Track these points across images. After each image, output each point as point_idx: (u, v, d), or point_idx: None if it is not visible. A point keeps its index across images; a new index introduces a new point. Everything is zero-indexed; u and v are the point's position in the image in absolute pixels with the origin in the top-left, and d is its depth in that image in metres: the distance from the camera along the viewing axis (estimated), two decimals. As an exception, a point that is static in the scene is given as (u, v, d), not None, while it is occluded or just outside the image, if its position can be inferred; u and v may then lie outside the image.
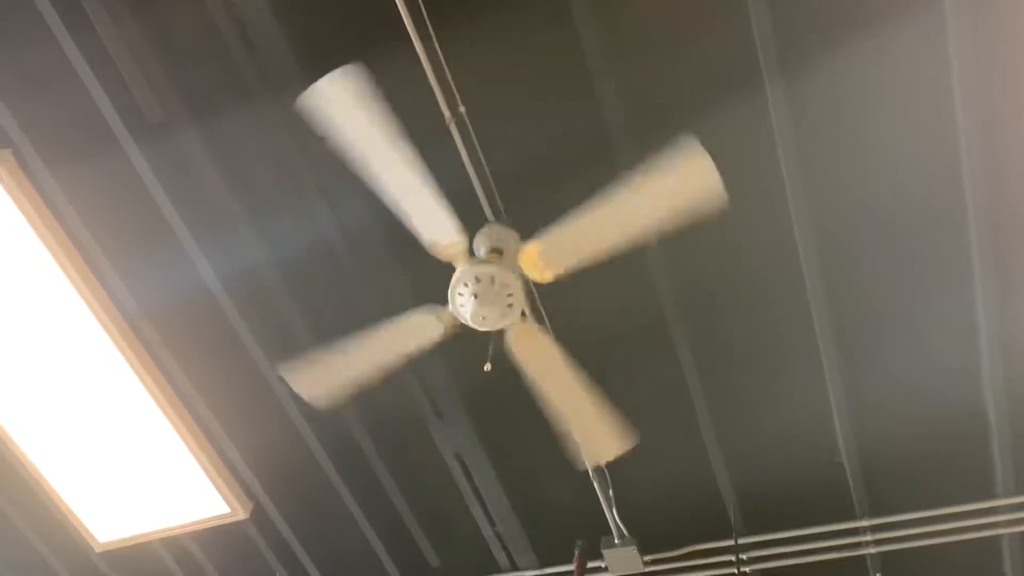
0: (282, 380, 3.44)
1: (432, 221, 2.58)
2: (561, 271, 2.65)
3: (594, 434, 3.07)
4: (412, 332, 2.84)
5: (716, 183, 2.33)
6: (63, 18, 3.12)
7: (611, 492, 3.92)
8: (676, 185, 2.41)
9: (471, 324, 2.74)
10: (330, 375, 2.98)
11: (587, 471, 3.80)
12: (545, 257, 2.63)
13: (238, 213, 3.51)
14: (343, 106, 2.35)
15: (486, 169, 3.07)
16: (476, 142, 3.02)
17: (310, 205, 3.46)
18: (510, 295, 2.69)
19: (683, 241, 3.36)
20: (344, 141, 2.41)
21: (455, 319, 2.77)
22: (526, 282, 2.73)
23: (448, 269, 2.72)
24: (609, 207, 2.47)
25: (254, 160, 3.43)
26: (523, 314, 2.79)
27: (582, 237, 2.56)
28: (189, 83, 3.27)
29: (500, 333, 2.82)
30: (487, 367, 2.78)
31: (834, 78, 2.97)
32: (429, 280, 2.79)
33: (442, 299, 2.74)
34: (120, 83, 3.25)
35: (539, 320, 3.13)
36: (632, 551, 4.11)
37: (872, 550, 4.02)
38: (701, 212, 2.37)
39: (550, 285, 2.75)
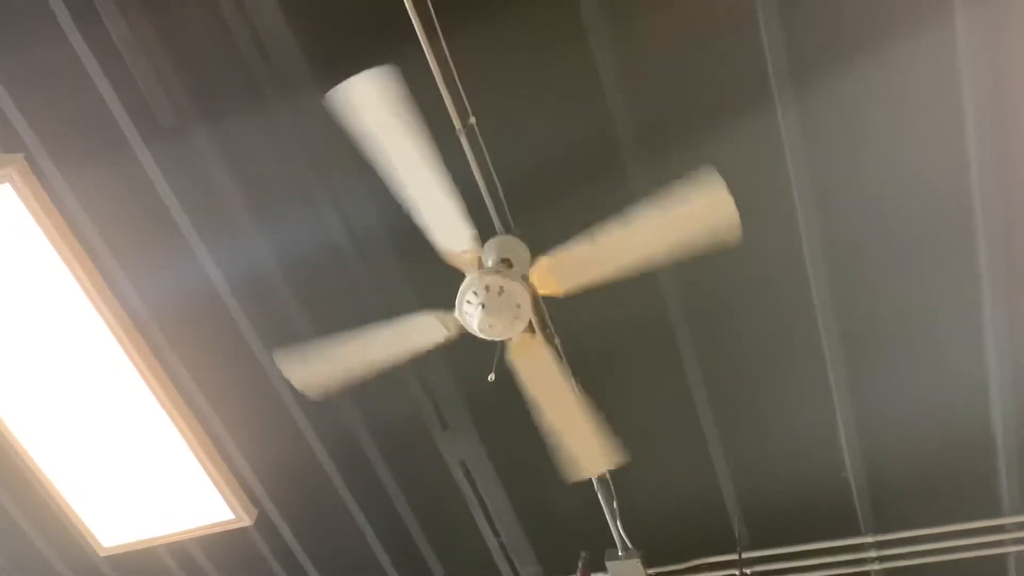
0: (282, 378, 3.47)
1: (449, 227, 2.59)
2: (571, 287, 2.66)
3: (584, 449, 3.09)
4: (414, 333, 2.85)
5: (733, 216, 2.36)
6: (77, 22, 3.14)
7: (615, 504, 3.91)
8: (692, 215, 2.43)
9: (477, 333, 2.74)
10: (325, 366, 2.98)
11: (592, 482, 3.80)
12: (556, 272, 2.64)
13: (248, 217, 3.52)
14: (373, 106, 2.37)
15: (496, 180, 3.08)
16: (486, 153, 3.03)
17: (320, 210, 3.47)
18: (518, 306, 2.70)
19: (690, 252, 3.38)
20: (370, 141, 2.42)
21: (459, 325, 2.77)
22: (535, 294, 2.74)
23: (455, 275, 2.73)
24: (624, 231, 2.48)
25: (265, 164, 3.44)
26: (530, 325, 2.80)
27: (594, 257, 2.57)
28: (201, 87, 3.28)
29: (505, 343, 2.82)
30: (491, 377, 2.79)
31: (844, 92, 2.98)
32: (437, 287, 2.79)
33: (448, 304, 2.75)
34: (132, 86, 3.27)
35: (545, 331, 3.13)
36: (636, 564, 4.09)
37: (877, 566, 4.00)
38: (715, 244, 2.38)
39: (556, 295, 2.75)
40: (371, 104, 2.38)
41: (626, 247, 2.52)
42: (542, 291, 2.72)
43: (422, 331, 2.83)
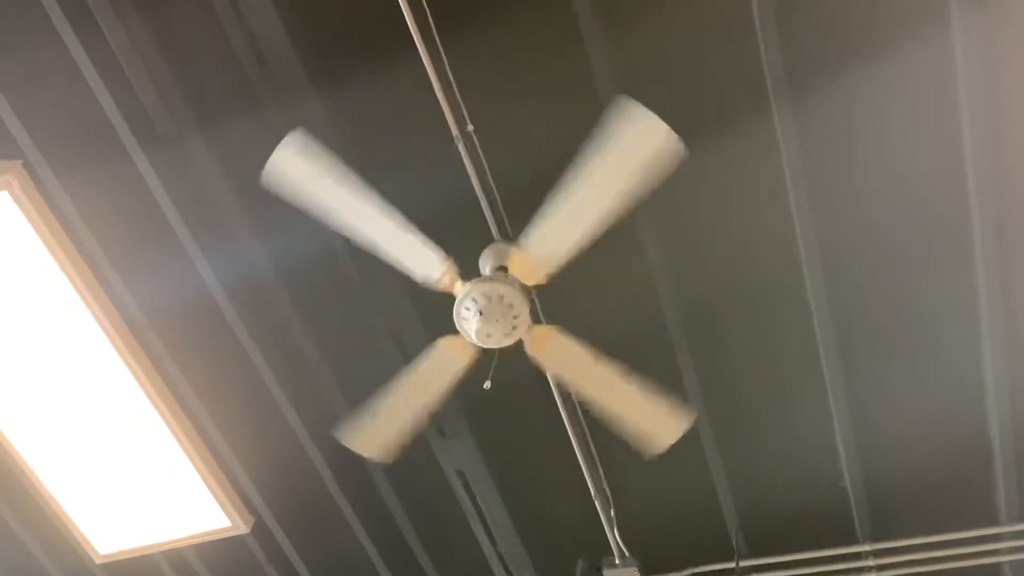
0: (279, 385, 3.45)
1: (418, 258, 2.61)
2: (553, 268, 2.64)
3: (651, 421, 2.95)
4: (437, 367, 2.85)
5: (667, 135, 2.32)
6: (74, 26, 3.14)
7: (613, 512, 3.91)
8: (630, 149, 2.38)
9: (474, 341, 2.74)
10: (381, 430, 3.02)
11: (589, 490, 3.80)
12: (532, 261, 2.63)
13: (245, 223, 3.52)
14: (301, 172, 2.46)
15: (494, 187, 3.08)
16: (484, 160, 3.04)
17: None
18: (516, 317, 2.70)
19: (688, 261, 3.38)
20: (314, 205, 2.50)
21: (469, 342, 2.77)
22: (530, 298, 2.74)
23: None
24: (573, 193, 2.47)
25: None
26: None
27: (558, 230, 2.55)
28: (198, 93, 3.29)
29: (502, 351, 2.82)
30: (487, 385, 2.78)
31: (841, 98, 2.99)
32: (433, 291, 2.79)
33: (443, 305, 2.74)
34: (130, 93, 3.27)
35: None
36: (633, 572, 4.08)
37: (874, 575, 4.00)
38: (665, 166, 2.36)
39: (554, 307, 2.75)
40: (299, 170, 2.46)
41: (582, 207, 2.50)
42: (530, 282, 2.70)
43: (446, 359, 2.83)
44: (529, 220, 2.57)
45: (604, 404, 2.90)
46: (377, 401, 2.93)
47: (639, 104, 2.31)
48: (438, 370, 2.86)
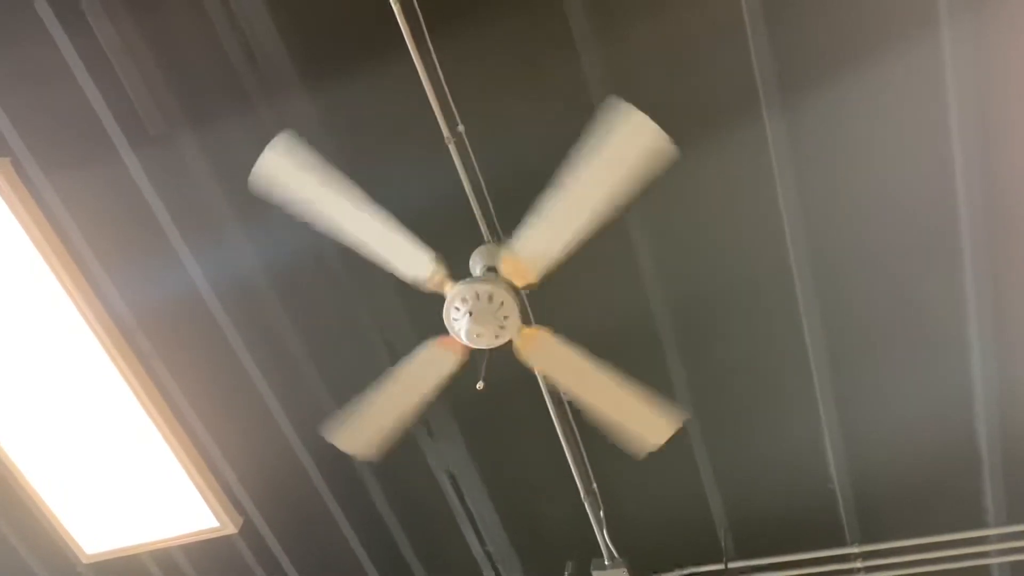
0: (268, 385, 3.43)
1: (407, 258, 2.61)
2: (543, 269, 2.64)
3: (641, 421, 2.95)
4: (427, 367, 2.85)
5: (657, 134, 2.32)
6: (64, 25, 3.13)
7: (602, 513, 3.91)
8: (620, 149, 2.38)
9: (464, 341, 2.74)
10: (368, 427, 3.01)
11: (579, 491, 3.80)
12: (523, 262, 2.63)
13: (235, 223, 3.51)
14: (289, 175, 2.47)
15: (484, 188, 3.08)
16: (475, 161, 3.03)
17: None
18: (506, 317, 2.69)
19: (678, 264, 3.39)
20: (302, 207, 2.50)
21: (460, 343, 2.77)
22: (520, 298, 2.73)
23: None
24: (565, 193, 2.47)
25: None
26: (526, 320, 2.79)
27: (549, 231, 2.55)
28: (189, 92, 3.28)
29: (493, 351, 2.81)
30: (480, 385, 2.78)
31: (832, 103, 2.99)
32: (423, 293, 2.78)
33: (433, 305, 2.74)
34: (120, 91, 3.26)
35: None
36: (622, 573, 4.08)
37: (862, 577, 4.02)
38: (655, 166, 2.36)
39: (545, 308, 2.74)
40: (287, 172, 2.47)
41: (573, 208, 2.49)
42: (521, 283, 2.70)
43: (435, 358, 2.82)
44: (520, 220, 2.57)
45: (593, 405, 2.90)
46: (365, 398, 2.92)
47: (630, 104, 2.31)
48: (427, 369, 2.85)
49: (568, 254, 2.58)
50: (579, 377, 2.87)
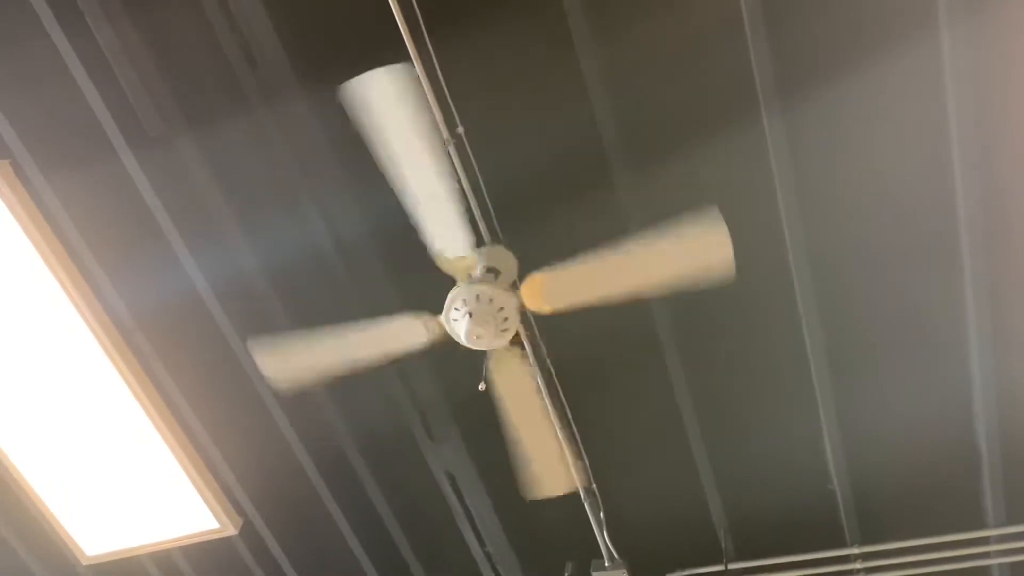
0: (269, 386, 3.43)
1: (448, 232, 2.58)
2: (559, 306, 2.65)
3: (547, 470, 3.10)
4: (395, 335, 2.81)
5: (728, 257, 2.34)
6: (63, 26, 3.13)
7: (602, 515, 3.90)
8: (689, 251, 2.42)
9: (464, 342, 2.74)
10: (301, 359, 2.91)
11: (579, 493, 3.79)
12: (547, 290, 2.63)
13: (234, 223, 3.51)
14: (390, 102, 2.34)
15: (483, 190, 3.08)
16: (474, 162, 3.03)
17: (306, 217, 3.47)
18: (505, 318, 2.70)
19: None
20: (380, 137, 2.39)
21: (442, 330, 2.76)
22: (523, 306, 2.73)
23: (440, 283, 2.72)
24: (620, 258, 2.48)
25: (251, 170, 3.43)
26: (517, 336, 2.79)
27: (587, 280, 2.56)
28: (187, 93, 3.28)
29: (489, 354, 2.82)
30: (481, 386, 2.78)
31: (831, 104, 2.99)
32: (422, 294, 2.79)
33: (433, 305, 2.74)
34: (119, 92, 3.26)
35: (533, 342, 3.12)
36: (623, 574, 4.08)
37: (862, 578, 4.01)
38: (707, 281, 2.38)
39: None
40: (388, 100, 2.34)
41: (620, 275, 2.52)
42: (529, 306, 2.71)
43: (403, 333, 2.79)
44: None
45: (518, 433, 2.99)
46: (317, 333, 2.83)
47: (719, 215, 2.34)
48: (394, 336, 2.80)
49: (587, 305, 2.59)
50: (522, 403, 2.93)
